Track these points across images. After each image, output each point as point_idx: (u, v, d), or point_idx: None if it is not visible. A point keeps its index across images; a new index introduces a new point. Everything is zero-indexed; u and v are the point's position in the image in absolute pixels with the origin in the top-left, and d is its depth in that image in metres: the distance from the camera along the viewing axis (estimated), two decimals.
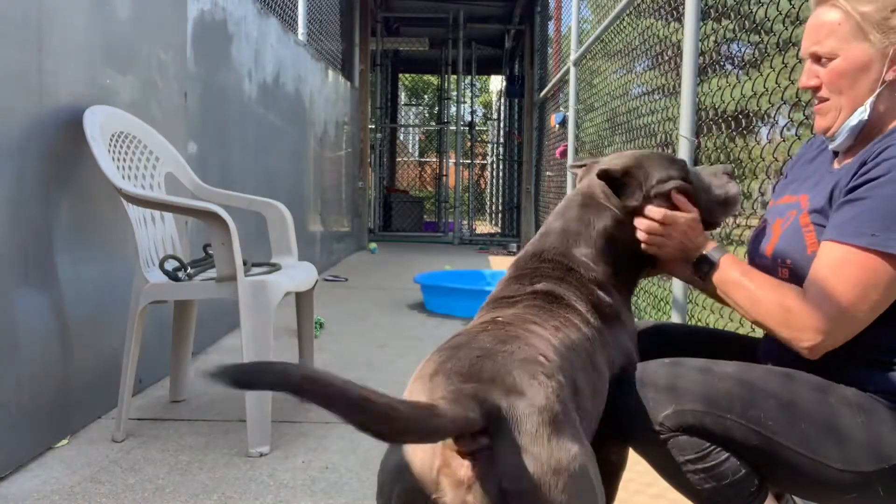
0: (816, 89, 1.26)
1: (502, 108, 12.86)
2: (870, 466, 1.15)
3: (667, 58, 3.30)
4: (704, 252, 1.32)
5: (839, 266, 1.15)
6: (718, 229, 2.51)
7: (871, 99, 1.20)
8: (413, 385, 0.99)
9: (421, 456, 0.89)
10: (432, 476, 0.88)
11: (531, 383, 0.94)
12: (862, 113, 1.21)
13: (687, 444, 1.19)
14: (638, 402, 1.21)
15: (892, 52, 1.17)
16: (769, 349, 1.36)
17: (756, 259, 1.38)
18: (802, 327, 1.17)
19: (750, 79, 2.36)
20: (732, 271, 1.29)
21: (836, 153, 1.33)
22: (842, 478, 1.15)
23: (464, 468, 0.87)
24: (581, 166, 1.51)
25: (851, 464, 1.15)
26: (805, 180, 1.36)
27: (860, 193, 1.16)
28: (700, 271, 1.33)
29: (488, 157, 15.51)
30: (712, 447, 1.18)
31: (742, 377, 1.21)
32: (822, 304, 1.16)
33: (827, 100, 1.25)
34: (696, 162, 2.56)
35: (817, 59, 1.24)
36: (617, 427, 1.25)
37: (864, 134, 1.24)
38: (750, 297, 1.25)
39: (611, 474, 1.34)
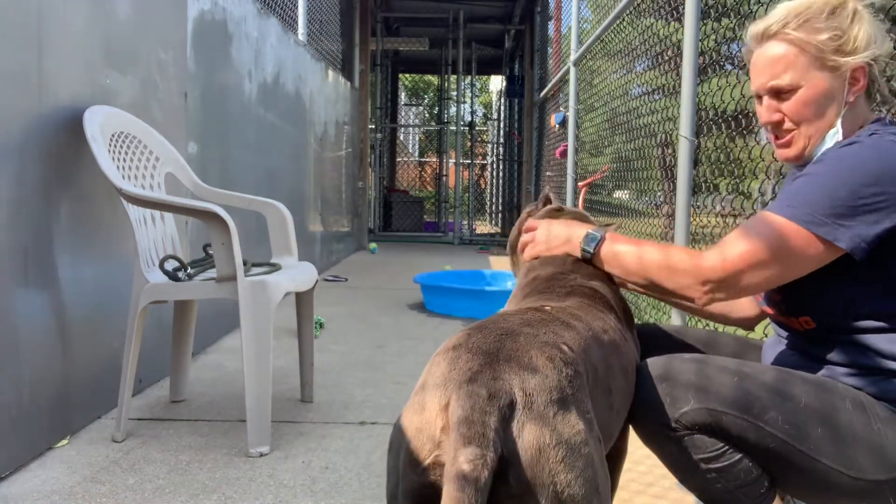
0: (779, 123, 1.29)
1: (502, 108, 12.86)
2: (883, 475, 1.14)
3: (667, 58, 3.30)
4: (589, 231, 1.39)
5: (746, 227, 1.20)
6: (719, 229, 2.51)
7: (839, 121, 1.24)
8: (436, 356, 1.01)
9: (427, 416, 0.92)
10: (436, 435, 0.90)
11: (546, 364, 0.97)
12: (835, 134, 1.25)
13: (702, 443, 1.18)
14: (656, 397, 1.20)
15: (849, 75, 1.23)
16: (776, 353, 1.36)
17: None
18: (692, 275, 1.21)
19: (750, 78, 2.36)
20: (618, 241, 1.35)
21: None
22: (854, 485, 1.15)
23: None
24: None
25: (865, 472, 1.14)
26: None
27: (794, 179, 1.22)
28: (587, 253, 1.37)
29: (488, 157, 15.51)
30: (727, 447, 1.18)
31: (762, 379, 1.20)
32: (714, 254, 1.20)
33: (792, 130, 1.28)
34: (697, 162, 2.56)
35: (776, 93, 1.27)
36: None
37: None
38: (636, 256, 1.30)
39: (613, 459, 1.36)
